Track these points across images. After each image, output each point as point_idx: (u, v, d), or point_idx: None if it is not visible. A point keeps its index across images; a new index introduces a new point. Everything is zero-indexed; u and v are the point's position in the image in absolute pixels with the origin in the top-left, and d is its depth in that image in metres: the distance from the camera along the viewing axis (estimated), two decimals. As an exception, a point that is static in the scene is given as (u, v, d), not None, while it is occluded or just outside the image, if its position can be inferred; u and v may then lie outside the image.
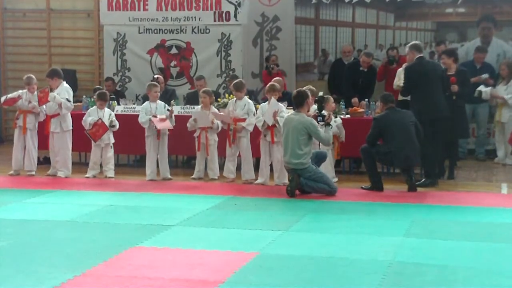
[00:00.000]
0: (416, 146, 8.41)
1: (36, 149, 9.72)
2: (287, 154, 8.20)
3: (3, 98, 9.91)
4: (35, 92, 9.61)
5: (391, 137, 8.39)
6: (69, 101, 9.48)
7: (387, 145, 8.45)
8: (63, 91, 9.48)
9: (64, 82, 9.65)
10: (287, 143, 8.18)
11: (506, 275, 5.01)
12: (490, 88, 10.64)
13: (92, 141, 9.40)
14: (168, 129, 9.36)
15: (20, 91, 9.70)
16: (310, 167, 8.16)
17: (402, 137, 8.34)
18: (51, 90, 9.44)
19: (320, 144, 8.63)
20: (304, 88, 8.86)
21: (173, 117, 9.31)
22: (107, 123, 9.37)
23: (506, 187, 8.79)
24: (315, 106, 8.69)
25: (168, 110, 9.31)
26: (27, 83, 9.60)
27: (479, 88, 10.56)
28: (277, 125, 8.69)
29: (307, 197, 8.04)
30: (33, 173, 9.63)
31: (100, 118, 9.33)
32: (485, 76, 10.83)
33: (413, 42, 9.55)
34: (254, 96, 10.60)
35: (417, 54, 8.94)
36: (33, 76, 9.74)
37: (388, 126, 8.42)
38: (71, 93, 9.65)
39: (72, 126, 9.58)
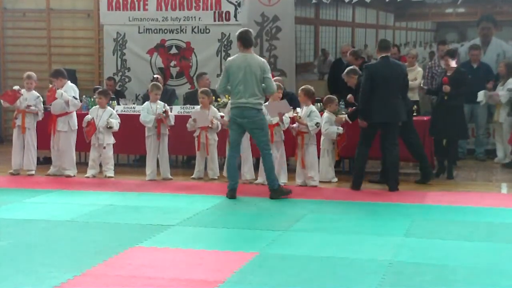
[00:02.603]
0: (399, 103, 8.29)
1: (36, 148, 9.72)
2: (246, 94, 7.82)
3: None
4: (32, 91, 9.63)
5: (376, 90, 8.26)
6: (76, 98, 9.51)
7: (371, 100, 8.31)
8: (69, 90, 9.51)
9: (69, 82, 9.67)
10: (245, 82, 7.82)
11: (506, 274, 5.01)
12: (485, 91, 10.66)
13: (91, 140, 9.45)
14: (168, 129, 9.37)
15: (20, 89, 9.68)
16: (262, 112, 8.06)
17: (387, 91, 8.23)
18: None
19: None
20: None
21: (169, 117, 9.29)
22: (104, 123, 9.37)
23: (505, 187, 8.80)
24: (307, 108, 8.68)
25: (164, 112, 9.29)
26: (24, 79, 9.63)
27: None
28: (280, 123, 8.68)
29: (307, 197, 8.04)
30: (33, 172, 9.63)
31: (92, 118, 9.35)
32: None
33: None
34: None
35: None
36: (33, 74, 9.73)
37: (376, 77, 8.27)
38: (77, 91, 9.68)
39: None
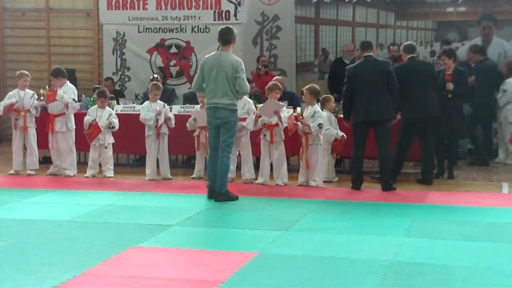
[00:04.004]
0: (381, 101, 8.30)
1: (37, 148, 9.71)
2: (218, 93, 7.64)
3: (1, 108, 9.75)
4: (26, 90, 9.60)
5: (356, 90, 8.37)
6: (75, 101, 9.50)
7: (353, 101, 8.44)
8: (69, 91, 9.49)
9: (68, 82, 9.65)
10: (217, 81, 7.66)
11: (506, 274, 5.00)
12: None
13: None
14: (168, 129, 9.36)
15: (14, 99, 9.59)
16: (236, 114, 7.91)
17: (367, 89, 8.29)
18: None
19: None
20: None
21: (170, 119, 9.30)
22: (105, 124, 9.37)
23: (506, 186, 8.78)
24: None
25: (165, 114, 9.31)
26: (17, 77, 9.63)
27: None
28: (279, 123, 8.67)
29: (307, 197, 8.03)
30: (33, 173, 9.61)
31: (94, 119, 9.34)
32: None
33: (405, 43, 9.47)
34: (254, 95, 10.60)
35: (408, 55, 8.83)
36: (26, 72, 9.69)
37: (357, 77, 8.36)
38: (76, 92, 9.66)
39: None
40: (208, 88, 7.79)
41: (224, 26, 8.02)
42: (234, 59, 7.77)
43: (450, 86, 9.12)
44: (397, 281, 4.85)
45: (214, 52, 7.98)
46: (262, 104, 8.97)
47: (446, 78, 9.16)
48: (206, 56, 7.98)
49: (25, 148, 9.63)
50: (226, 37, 7.84)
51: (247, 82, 7.87)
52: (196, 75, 8.07)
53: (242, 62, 7.83)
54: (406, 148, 8.81)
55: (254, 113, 8.96)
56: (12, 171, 9.63)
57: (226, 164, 7.84)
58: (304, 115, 8.68)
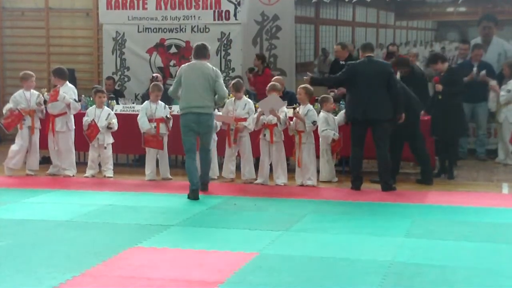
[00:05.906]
0: (380, 101, 8.28)
1: (39, 148, 9.70)
2: (198, 100, 8.00)
3: (5, 111, 9.71)
4: (33, 90, 9.58)
5: (355, 88, 8.40)
6: (76, 101, 9.49)
7: (349, 97, 8.53)
8: (70, 91, 9.46)
9: (68, 82, 9.62)
10: (195, 88, 8.02)
11: (506, 275, 5.00)
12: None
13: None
14: (168, 129, 9.35)
15: (15, 108, 9.54)
16: (214, 115, 8.32)
17: (367, 89, 8.28)
18: None
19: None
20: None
21: (170, 122, 9.30)
22: (103, 124, 9.35)
23: (506, 187, 8.78)
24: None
25: (166, 117, 9.29)
26: (24, 79, 9.56)
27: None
28: (278, 124, 8.66)
29: (307, 197, 8.02)
30: (33, 173, 9.59)
31: (93, 119, 9.33)
32: (481, 73, 10.72)
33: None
34: (253, 95, 10.59)
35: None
36: (30, 73, 9.66)
37: (357, 75, 8.38)
38: (76, 92, 9.64)
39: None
40: (187, 94, 8.10)
41: (199, 43, 8.38)
42: (212, 67, 8.23)
43: (439, 87, 9.20)
44: (397, 281, 4.85)
45: (192, 61, 8.30)
46: (263, 99, 8.92)
47: (434, 80, 9.24)
48: (184, 65, 8.36)
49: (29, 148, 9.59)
50: (201, 52, 8.27)
51: (225, 87, 8.28)
52: (174, 81, 8.41)
53: (219, 70, 8.34)
54: (398, 152, 8.79)
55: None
56: (9, 171, 9.54)
57: (210, 157, 8.45)
58: (299, 110, 8.70)
